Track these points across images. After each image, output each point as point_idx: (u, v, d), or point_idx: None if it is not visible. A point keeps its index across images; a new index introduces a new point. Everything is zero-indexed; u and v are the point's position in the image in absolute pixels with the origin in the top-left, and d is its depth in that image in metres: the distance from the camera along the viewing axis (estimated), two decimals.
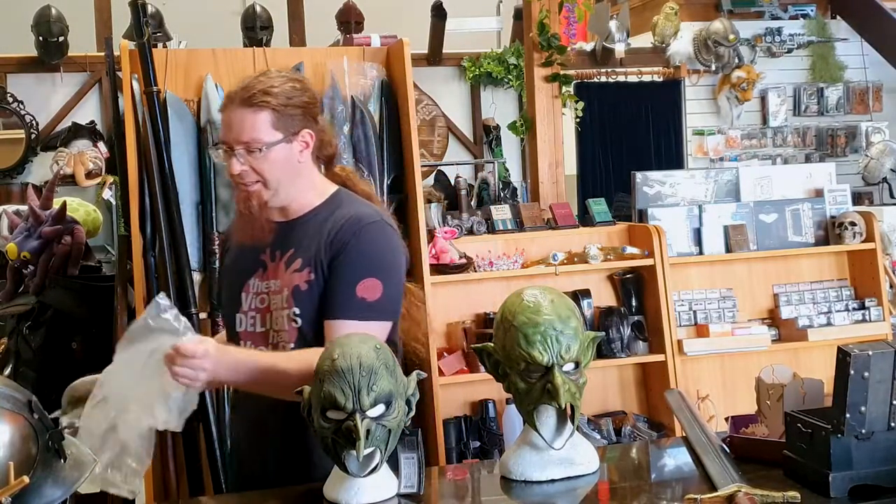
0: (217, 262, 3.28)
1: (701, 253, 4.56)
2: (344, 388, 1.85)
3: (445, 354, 4.11)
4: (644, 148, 6.79)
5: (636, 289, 4.42)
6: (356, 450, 1.83)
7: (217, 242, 3.40)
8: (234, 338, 2.33)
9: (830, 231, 4.72)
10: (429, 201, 4.35)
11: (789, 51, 7.03)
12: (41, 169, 6.81)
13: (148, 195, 3.44)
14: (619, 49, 6.68)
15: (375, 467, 1.90)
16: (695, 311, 4.49)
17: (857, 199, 5.79)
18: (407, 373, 2.00)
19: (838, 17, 7.27)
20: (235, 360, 2.16)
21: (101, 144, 6.79)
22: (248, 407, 2.37)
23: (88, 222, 3.87)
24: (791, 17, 7.08)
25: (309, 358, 2.06)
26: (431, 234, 4.08)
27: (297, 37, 7.56)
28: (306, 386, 1.96)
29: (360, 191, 2.38)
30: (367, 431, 1.84)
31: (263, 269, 2.28)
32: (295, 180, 2.26)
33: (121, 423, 2.11)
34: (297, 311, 2.21)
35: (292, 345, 2.22)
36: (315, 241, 2.22)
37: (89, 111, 7.00)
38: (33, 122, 6.75)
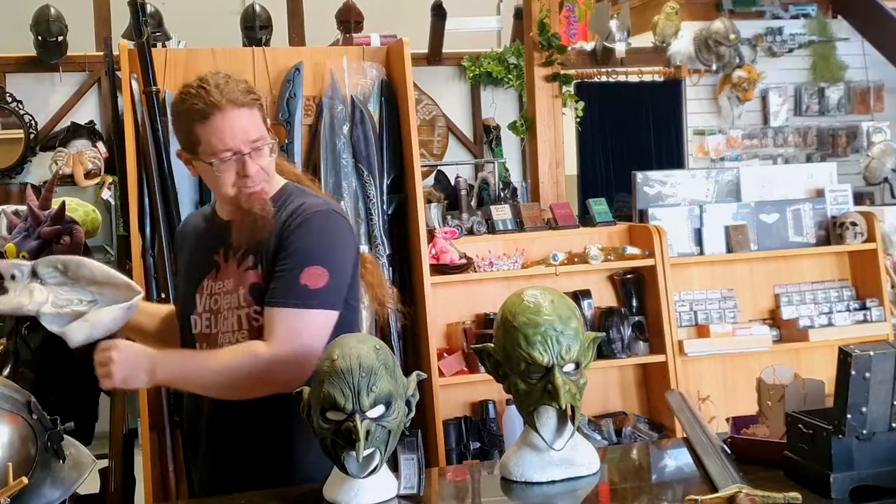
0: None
1: (702, 253, 4.56)
2: (343, 389, 1.84)
3: (445, 355, 4.10)
4: (645, 148, 6.77)
5: (637, 289, 4.42)
6: (356, 451, 1.83)
7: None
8: (188, 340, 2.29)
9: (831, 231, 4.71)
10: (429, 201, 4.34)
11: (790, 50, 7.02)
12: (40, 169, 6.82)
13: (147, 195, 3.44)
14: (620, 49, 6.67)
15: (375, 468, 1.89)
16: (695, 312, 4.48)
17: (859, 199, 5.77)
18: (406, 373, 1.99)
19: (839, 17, 7.26)
20: (143, 353, 2.15)
21: (100, 144, 6.79)
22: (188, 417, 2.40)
23: (87, 222, 3.86)
24: (792, 17, 7.07)
25: (232, 357, 2.11)
26: (431, 235, 4.07)
27: (297, 36, 7.56)
28: (305, 387, 1.95)
29: (304, 184, 2.35)
30: (367, 432, 1.84)
31: (217, 270, 2.25)
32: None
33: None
34: (257, 308, 2.16)
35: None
36: (265, 236, 2.19)
37: (88, 111, 7.00)
38: (32, 121, 6.75)
